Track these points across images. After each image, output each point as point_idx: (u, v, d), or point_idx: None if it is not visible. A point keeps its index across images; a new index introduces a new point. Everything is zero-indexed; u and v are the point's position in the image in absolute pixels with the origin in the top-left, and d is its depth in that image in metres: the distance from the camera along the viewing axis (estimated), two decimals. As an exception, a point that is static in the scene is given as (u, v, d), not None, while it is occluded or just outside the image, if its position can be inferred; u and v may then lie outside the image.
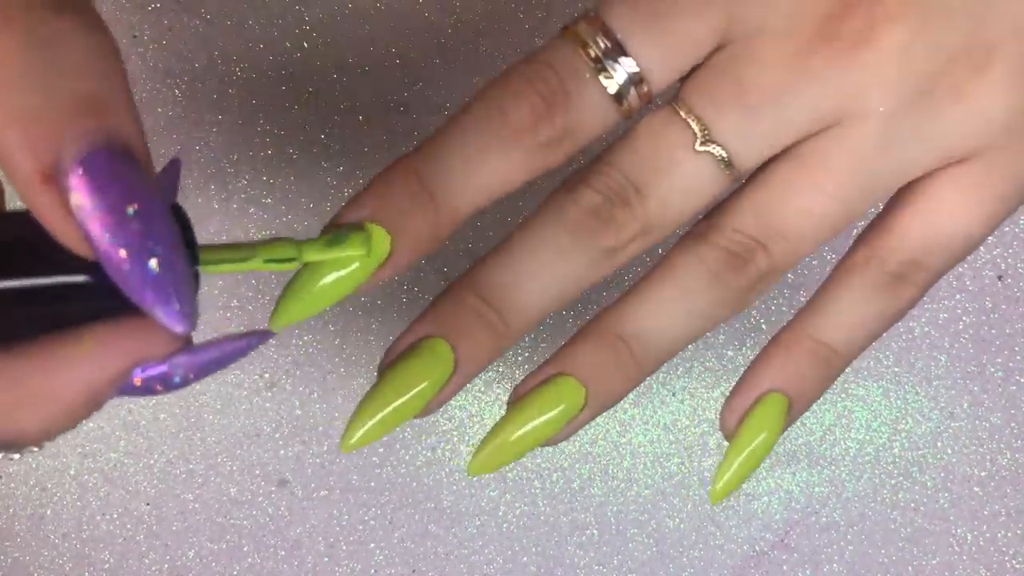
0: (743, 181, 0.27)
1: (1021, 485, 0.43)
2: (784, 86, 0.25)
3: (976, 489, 0.43)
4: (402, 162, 0.25)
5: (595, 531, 0.42)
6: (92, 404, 0.20)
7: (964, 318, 0.42)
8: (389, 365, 0.25)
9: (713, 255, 0.26)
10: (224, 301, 0.39)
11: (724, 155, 0.25)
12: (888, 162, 0.25)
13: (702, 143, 0.25)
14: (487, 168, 0.25)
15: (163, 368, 0.20)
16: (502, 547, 0.42)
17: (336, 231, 0.24)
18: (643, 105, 0.26)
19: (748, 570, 0.43)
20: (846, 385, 0.42)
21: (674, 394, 0.42)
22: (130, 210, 0.17)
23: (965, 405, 0.42)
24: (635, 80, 0.25)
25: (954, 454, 0.43)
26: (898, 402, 0.42)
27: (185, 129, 0.38)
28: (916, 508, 0.43)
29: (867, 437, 0.42)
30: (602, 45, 0.25)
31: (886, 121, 0.25)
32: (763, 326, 0.41)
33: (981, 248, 0.38)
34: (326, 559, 0.41)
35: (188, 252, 0.19)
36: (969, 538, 0.43)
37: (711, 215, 0.27)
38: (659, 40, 0.25)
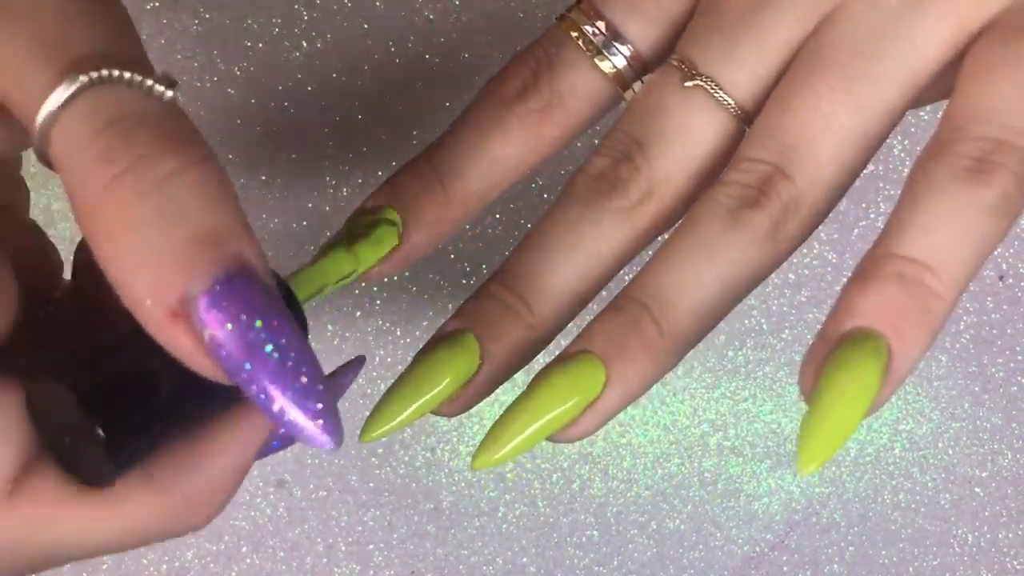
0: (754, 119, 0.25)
1: (1022, 486, 0.43)
2: (757, 1, 0.25)
3: (977, 490, 0.43)
4: (420, 154, 0.27)
5: (595, 532, 0.42)
6: (241, 480, 0.21)
7: (965, 318, 0.42)
8: (416, 357, 0.25)
9: (726, 192, 0.24)
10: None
11: (715, 86, 0.25)
12: (890, 40, 0.24)
13: (688, 78, 0.25)
14: (486, 145, 0.26)
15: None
16: (501, 548, 0.42)
17: (372, 230, 0.25)
18: (635, 71, 0.26)
19: (748, 571, 0.43)
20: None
21: (674, 394, 0.42)
22: (263, 336, 0.18)
23: (966, 405, 0.42)
24: (618, 42, 0.26)
25: (955, 455, 0.42)
26: (899, 402, 0.42)
27: (184, 128, 0.37)
28: (917, 509, 0.43)
29: (868, 438, 0.42)
30: (585, 16, 0.26)
31: None
32: (764, 326, 0.41)
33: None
34: (325, 560, 0.41)
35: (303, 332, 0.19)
36: (970, 539, 0.43)
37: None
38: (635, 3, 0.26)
